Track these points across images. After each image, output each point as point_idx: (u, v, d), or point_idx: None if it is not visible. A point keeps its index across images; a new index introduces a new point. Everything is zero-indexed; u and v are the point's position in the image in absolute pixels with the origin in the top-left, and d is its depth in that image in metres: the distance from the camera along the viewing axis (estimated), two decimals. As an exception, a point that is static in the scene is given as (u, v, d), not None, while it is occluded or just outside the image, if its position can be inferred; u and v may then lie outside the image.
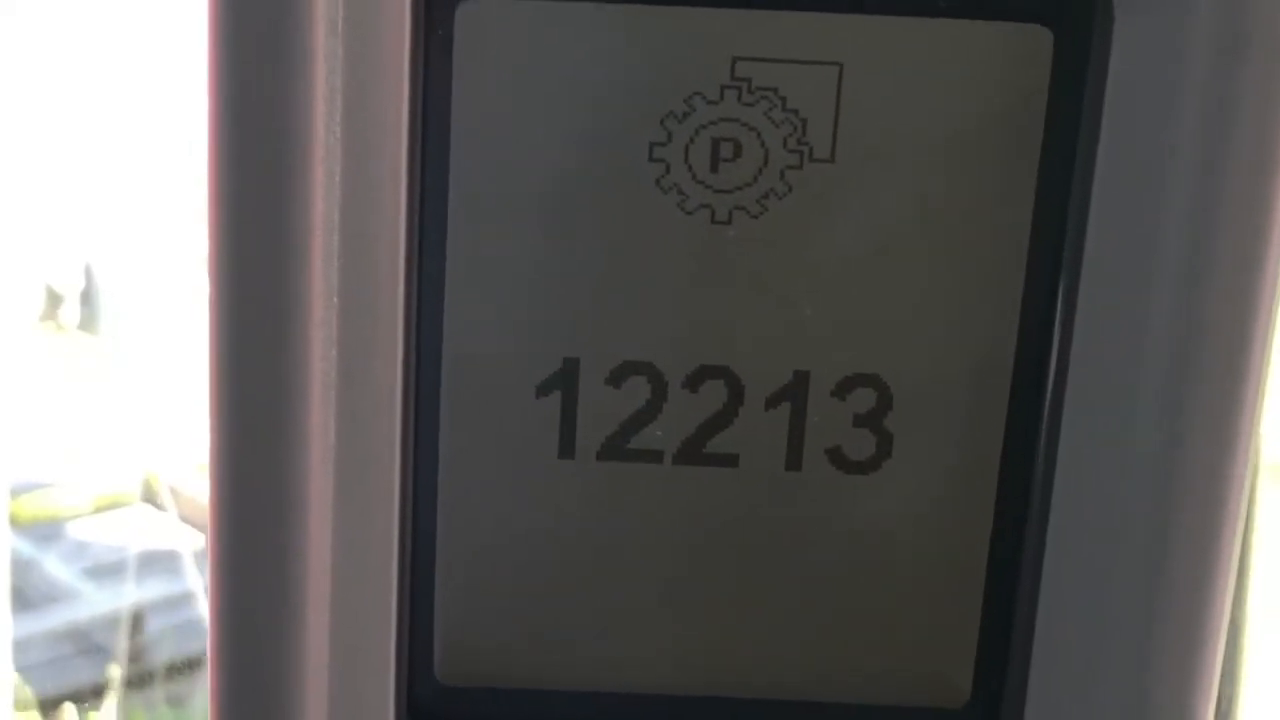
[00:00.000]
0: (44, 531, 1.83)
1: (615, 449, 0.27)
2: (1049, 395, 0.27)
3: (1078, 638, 0.27)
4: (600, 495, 0.28)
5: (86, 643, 1.76)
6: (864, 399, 0.27)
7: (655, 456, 0.27)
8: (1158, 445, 0.26)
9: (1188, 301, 0.25)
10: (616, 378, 0.27)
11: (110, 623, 1.74)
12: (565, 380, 0.27)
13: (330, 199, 0.25)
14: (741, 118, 0.26)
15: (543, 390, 0.27)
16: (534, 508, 0.28)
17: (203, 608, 1.70)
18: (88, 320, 1.72)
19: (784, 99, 0.26)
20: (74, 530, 1.84)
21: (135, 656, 1.73)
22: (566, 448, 0.27)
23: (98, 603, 1.78)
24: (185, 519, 1.80)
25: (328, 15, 0.24)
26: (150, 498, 1.81)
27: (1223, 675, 0.27)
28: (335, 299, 0.25)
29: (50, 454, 1.84)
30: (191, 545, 1.76)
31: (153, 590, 1.77)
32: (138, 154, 1.56)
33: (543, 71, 0.26)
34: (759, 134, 0.26)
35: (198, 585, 1.73)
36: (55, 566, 1.81)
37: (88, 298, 1.72)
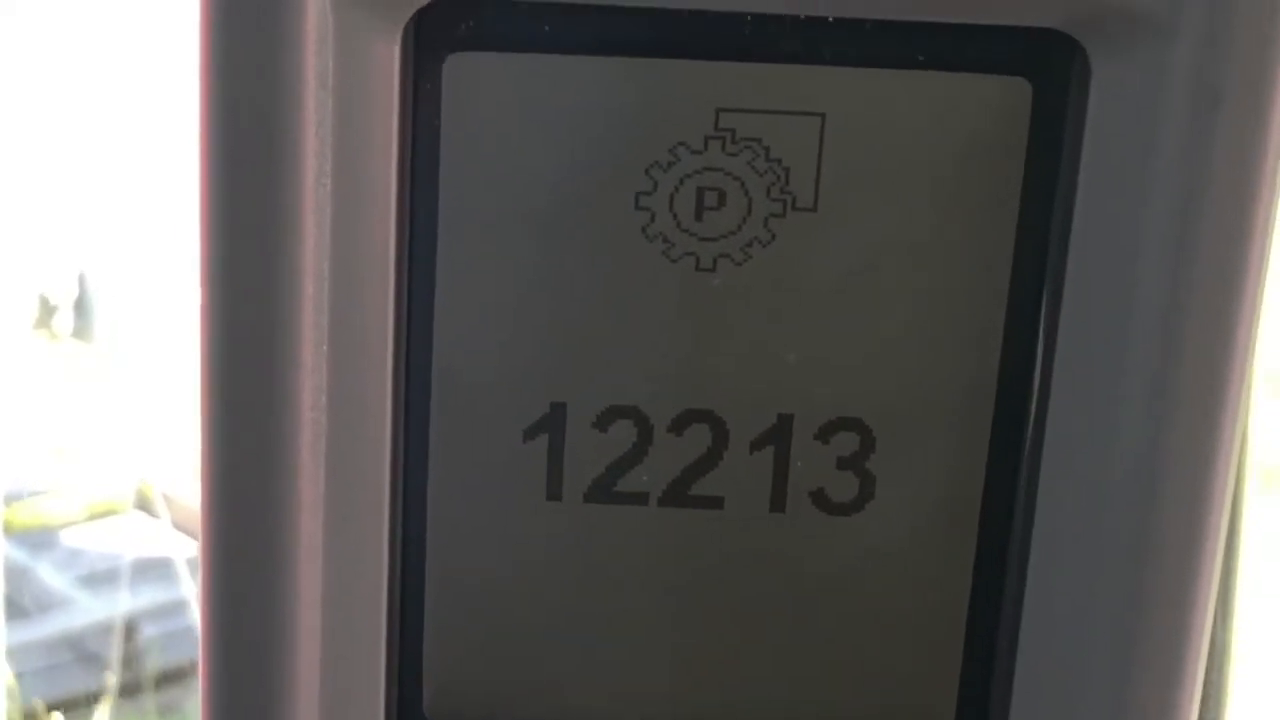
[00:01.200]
0: (37, 539, 1.84)
1: (602, 491, 0.28)
2: (1029, 436, 0.27)
3: (1060, 674, 0.27)
4: (587, 536, 0.28)
5: (80, 650, 1.77)
6: (847, 442, 0.28)
7: (641, 499, 0.28)
8: (1138, 483, 0.26)
9: (1165, 346, 0.26)
10: (603, 421, 0.28)
11: (103, 630, 1.75)
12: (553, 424, 0.28)
13: (320, 250, 0.25)
14: (725, 167, 0.27)
15: (530, 434, 0.28)
16: (522, 548, 0.28)
17: (195, 615, 1.71)
18: (81, 329, 1.72)
19: (767, 149, 0.26)
20: (67, 538, 1.84)
21: (128, 664, 1.73)
22: (554, 490, 0.28)
23: (91, 610, 1.78)
24: (179, 526, 1.80)
25: (318, 69, 0.25)
26: (144, 505, 1.81)
27: (1208, 697, 0.28)
28: (325, 347, 0.26)
29: (44, 462, 1.84)
30: (185, 553, 1.76)
31: (146, 598, 1.77)
32: (130, 162, 1.56)
33: (529, 123, 0.26)
34: (743, 183, 0.27)
35: (191, 592, 1.74)
36: (49, 574, 1.81)
37: (81, 306, 1.72)
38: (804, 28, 0.26)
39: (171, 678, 1.70)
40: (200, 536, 0.26)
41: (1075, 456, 0.27)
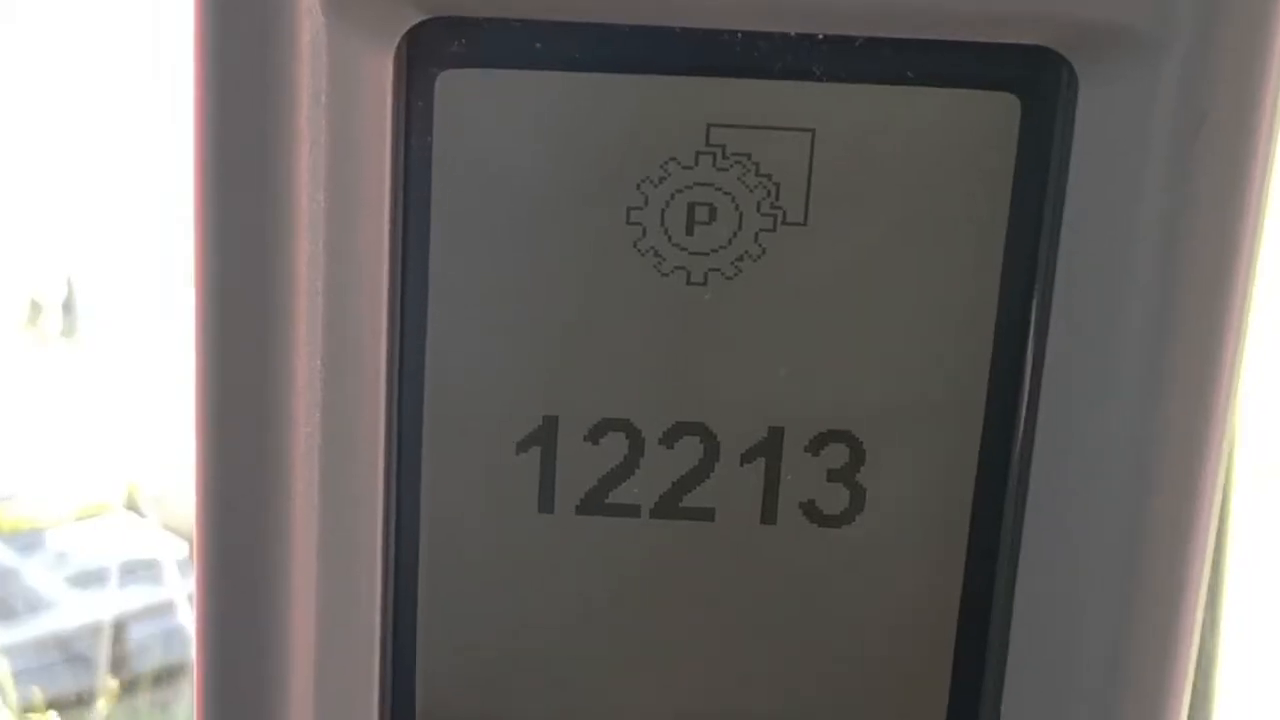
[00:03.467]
0: (25, 540, 1.83)
1: (594, 503, 0.28)
2: (1018, 447, 0.28)
3: (1049, 685, 0.28)
4: (579, 548, 0.28)
5: (67, 651, 1.76)
6: (837, 454, 0.28)
7: (633, 511, 0.28)
8: (1126, 496, 0.26)
9: (1153, 362, 0.26)
10: (595, 434, 0.28)
11: (91, 632, 1.74)
12: (545, 437, 0.28)
13: (314, 266, 0.26)
14: (716, 182, 0.27)
15: (523, 446, 0.28)
16: (514, 560, 0.28)
17: (183, 616, 1.71)
18: (68, 329, 1.72)
19: (757, 164, 0.27)
20: (55, 539, 1.84)
21: (117, 665, 1.73)
22: (546, 502, 0.28)
23: (80, 611, 1.78)
24: (167, 526, 1.80)
25: (312, 88, 0.25)
26: (132, 505, 1.81)
27: (1194, 706, 0.28)
28: (318, 361, 0.26)
29: (31, 462, 1.83)
30: (173, 553, 1.76)
31: (135, 598, 1.77)
32: (118, 166, 1.56)
33: (521, 138, 0.26)
34: (733, 198, 0.27)
35: (179, 593, 1.74)
36: (37, 575, 1.81)
37: (69, 307, 1.72)
38: (794, 44, 0.26)
39: (160, 678, 1.70)
40: (195, 551, 0.26)
41: (1064, 468, 0.27)
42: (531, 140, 0.26)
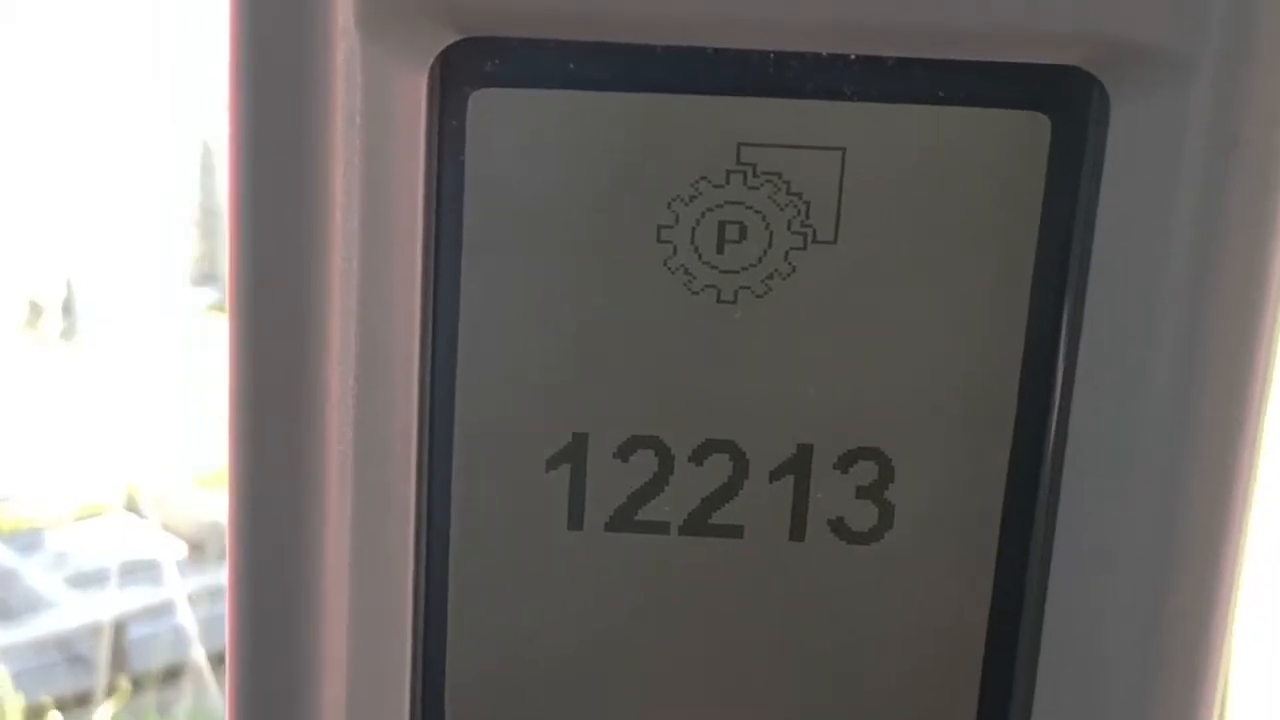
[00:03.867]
0: (25, 541, 1.83)
1: (623, 520, 0.28)
2: (1047, 465, 0.28)
3: (1079, 702, 0.28)
4: (609, 565, 0.28)
5: (67, 651, 1.76)
6: (866, 471, 0.28)
7: (662, 528, 0.28)
8: (1157, 509, 0.26)
9: (1183, 381, 0.26)
10: (624, 452, 0.28)
11: (92, 632, 1.74)
12: (575, 454, 0.28)
13: (348, 284, 0.26)
14: (746, 201, 0.27)
15: (553, 464, 0.28)
16: (544, 577, 0.28)
17: (183, 616, 1.71)
18: (68, 331, 1.72)
19: (788, 183, 0.27)
20: (55, 539, 1.84)
21: (117, 665, 1.73)
22: (576, 519, 0.28)
23: (80, 612, 1.78)
24: (166, 527, 1.80)
25: (346, 108, 0.25)
26: (131, 506, 1.81)
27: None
28: (352, 380, 0.26)
29: (31, 463, 1.83)
30: (172, 553, 1.76)
31: (134, 598, 1.77)
32: (117, 166, 1.56)
33: (553, 157, 0.27)
34: (764, 216, 0.27)
35: (179, 593, 1.74)
36: (37, 575, 1.81)
37: (68, 309, 1.72)
38: (825, 64, 0.26)
39: (160, 678, 1.70)
40: (227, 569, 0.27)
41: (1093, 485, 0.27)
42: (563, 158, 0.27)
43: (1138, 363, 0.26)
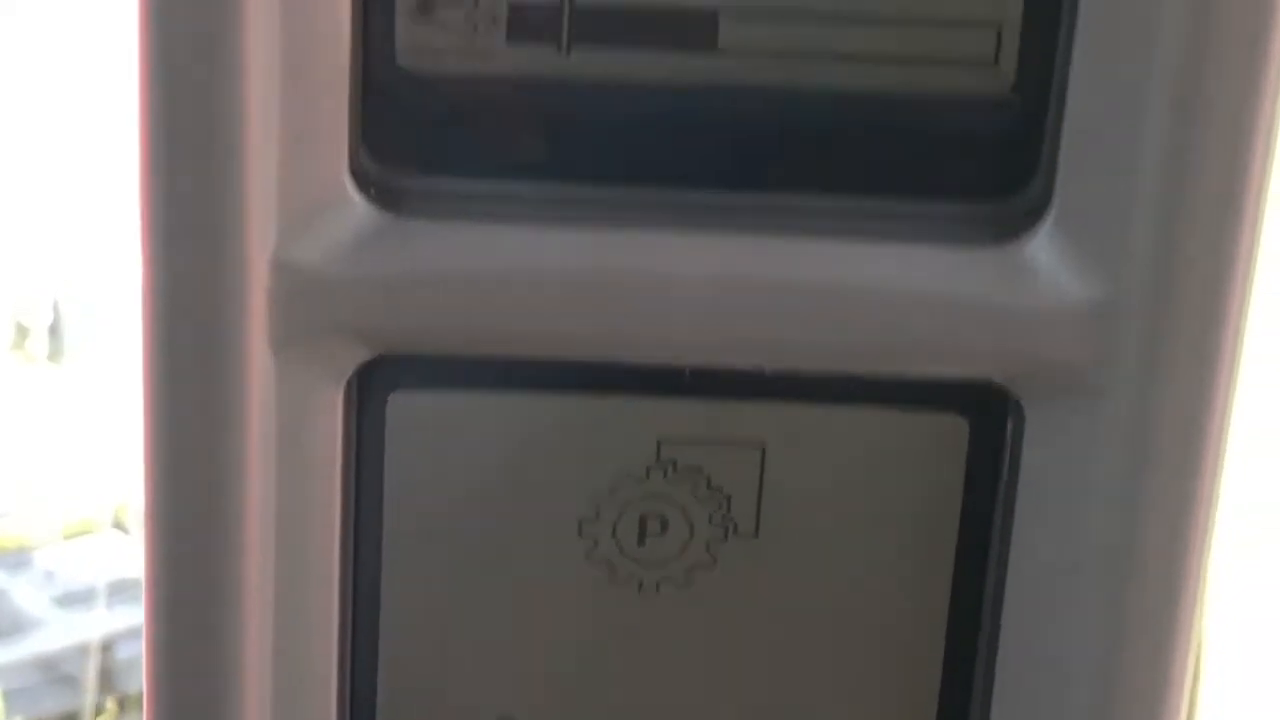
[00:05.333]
0: (13, 560, 1.84)
1: None
2: None
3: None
4: None
5: (55, 672, 1.77)
6: None
7: None
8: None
9: (1105, 667, 0.26)
10: None
11: (80, 651, 1.75)
12: None
13: (264, 578, 0.26)
14: (667, 494, 0.27)
15: None
16: None
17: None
18: (55, 352, 1.72)
19: (708, 477, 0.27)
20: (43, 558, 1.84)
21: (104, 685, 1.73)
22: None
23: (67, 631, 1.78)
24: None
25: (261, 424, 0.25)
26: (119, 524, 1.81)
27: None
28: (269, 670, 0.26)
29: (18, 482, 1.84)
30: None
31: (122, 618, 1.77)
32: (104, 188, 1.55)
33: (473, 456, 0.27)
34: (684, 510, 0.27)
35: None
36: (25, 594, 1.81)
37: (55, 330, 1.72)
38: (743, 369, 0.26)
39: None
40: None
41: None
42: (483, 458, 0.27)
43: (1061, 660, 0.26)
